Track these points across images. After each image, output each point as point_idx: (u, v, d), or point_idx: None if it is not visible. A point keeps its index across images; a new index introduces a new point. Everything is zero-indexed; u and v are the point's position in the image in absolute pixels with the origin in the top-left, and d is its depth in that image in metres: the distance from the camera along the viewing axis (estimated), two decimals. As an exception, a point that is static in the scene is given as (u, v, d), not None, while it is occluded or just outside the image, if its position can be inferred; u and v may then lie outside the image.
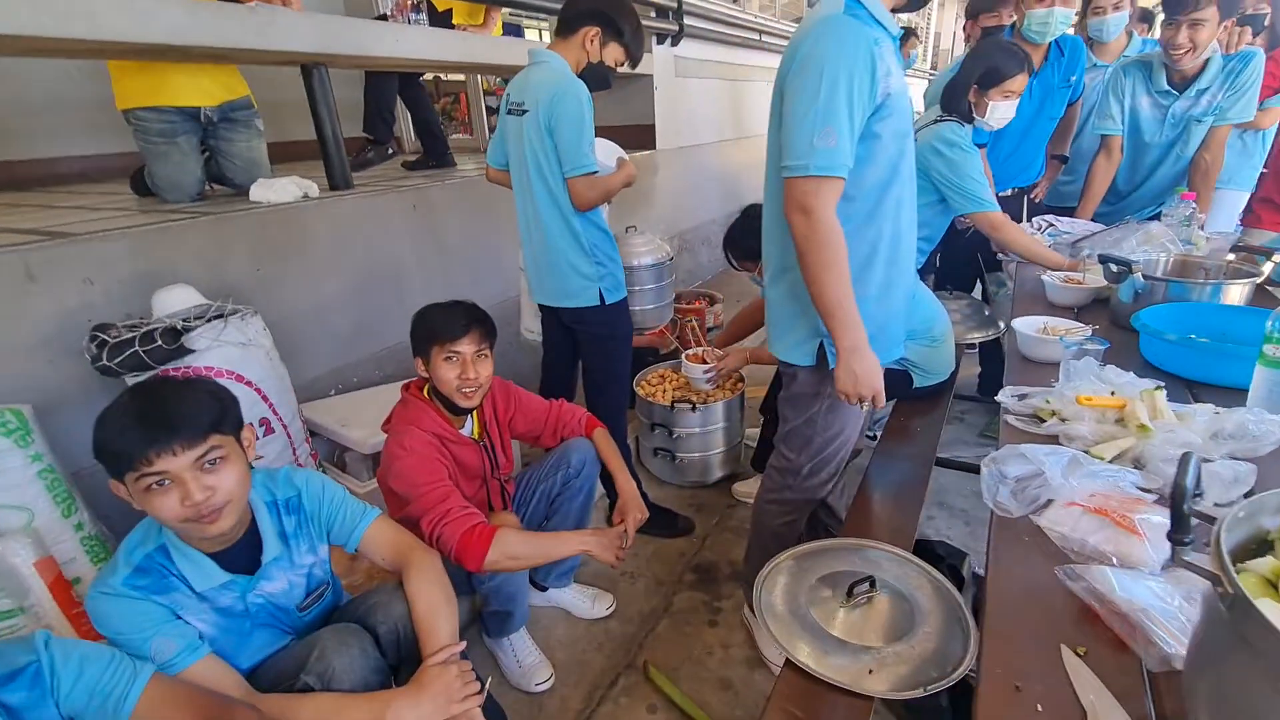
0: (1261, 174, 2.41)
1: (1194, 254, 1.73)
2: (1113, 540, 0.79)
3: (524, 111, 1.77)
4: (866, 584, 1.12)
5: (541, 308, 2.08)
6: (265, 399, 1.75)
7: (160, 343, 1.54)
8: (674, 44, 4.07)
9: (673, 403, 2.22)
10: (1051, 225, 2.29)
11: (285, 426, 1.79)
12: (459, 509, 1.37)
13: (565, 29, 1.79)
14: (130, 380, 1.57)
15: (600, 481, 1.76)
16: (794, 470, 1.49)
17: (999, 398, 1.20)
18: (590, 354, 2.01)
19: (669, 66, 4.12)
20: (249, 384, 1.71)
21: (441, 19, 3.00)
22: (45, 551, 1.37)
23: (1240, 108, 2.05)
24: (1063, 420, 1.07)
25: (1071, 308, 1.68)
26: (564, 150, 1.71)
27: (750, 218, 2.03)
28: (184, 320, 1.63)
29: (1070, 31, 2.35)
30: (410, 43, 2.47)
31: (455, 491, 1.41)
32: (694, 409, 2.20)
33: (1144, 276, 1.42)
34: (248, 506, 1.11)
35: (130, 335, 1.55)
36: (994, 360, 2.77)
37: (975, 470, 2.19)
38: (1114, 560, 0.77)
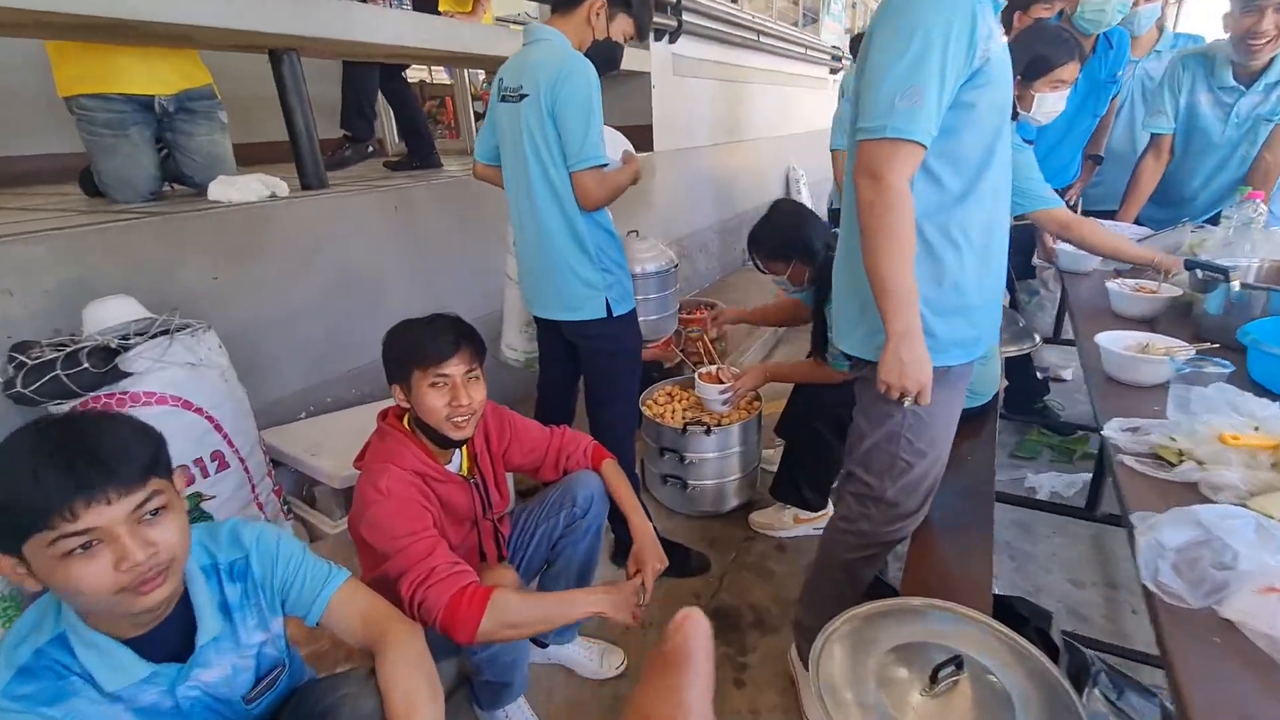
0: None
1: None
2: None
3: (522, 96, 1.55)
4: (952, 665, 0.91)
5: (538, 321, 1.86)
6: (218, 428, 1.50)
7: (87, 365, 1.29)
8: (672, 40, 3.87)
9: (684, 425, 1.99)
10: (1093, 229, 2.11)
11: (243, 459, 1.55)
12: (446, 567, 1.13)
13: (566, 2, 1.57)
14: (54, 410, 1.32)
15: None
16: (875, 498, 1.27)
17: (1104, 431, 0.99)
18: (594, 372, 1.78)
19: (667, 64, 3.93)
20: (199, 411, 1.46)
21: (427, 5, 2.78)
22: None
23: None
24: (1200, 464, 0.86)
25: (1142, 320, 1.49)
26: (570, 140, 1.50)
27: (781, 213, 1.82)
28: (120, 338, 1.39)
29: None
30: (390, 27, 2.24)
31: (441, 544, 1.18)
32: (708, 432, 1.98)
33: (1242, 285, 1.23)
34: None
35: (54, 356, 1.31)
36: (1023, 374, 2.58)
37: (1030, 504, 2.04)
38: (1358, 678, 0.56)
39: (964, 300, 1.11)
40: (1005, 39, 1.06)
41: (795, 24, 6.48)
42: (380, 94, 2.93)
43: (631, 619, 1.24)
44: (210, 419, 1.48)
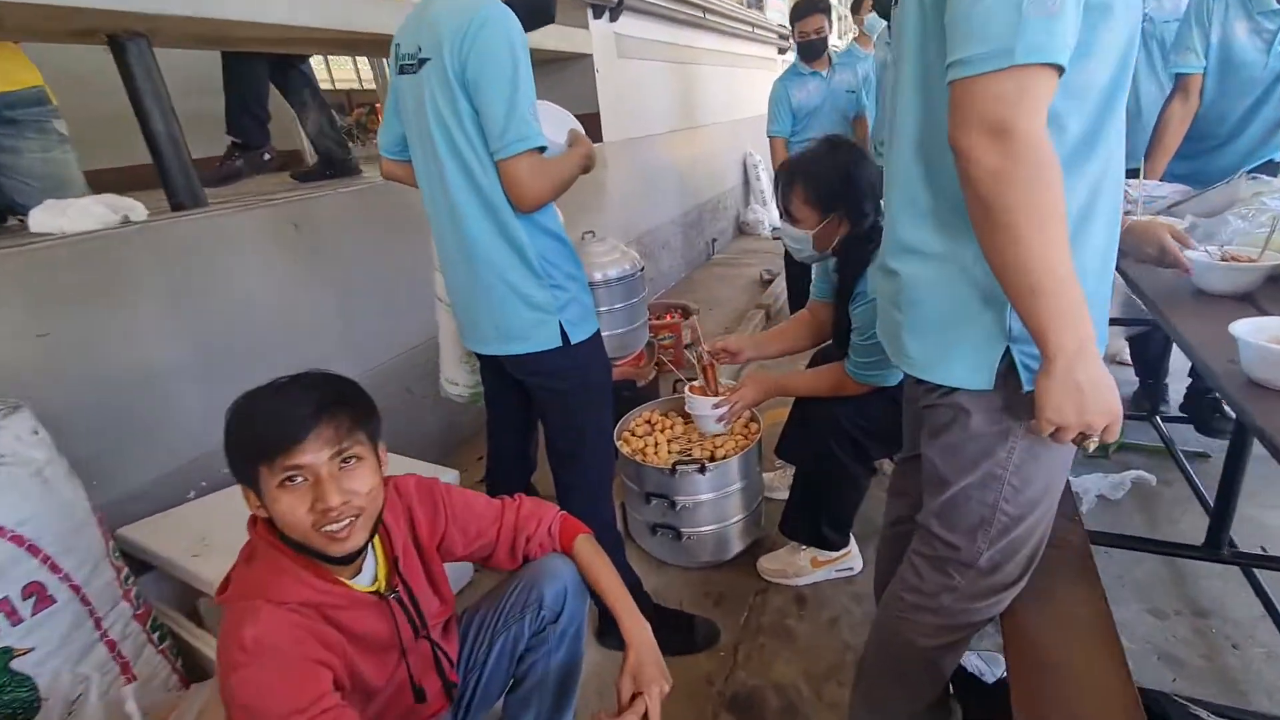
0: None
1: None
2: None
3: (422, 62, 1.16)
4: None
5: (478, 355, 1.47)
6: (34, 550, 1.07)
7: None
8: (613, 19, 3.50)
9: (674, 465, 1.63)
10: (1124, 189, 1.82)
11: (77, 587, 1.12)
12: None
13: None
14: None
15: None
16: (963, 563, 0.94)
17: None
18: (554, 417, 1.40)
19: (610, 45, 3.56)
20: (0, 532, 1.03)
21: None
22: None
23: None
24: None
25: (1234, 295, 1.19)
26: (492, 117, 1.12)
27: (842, 150, 1.42)
28: None
29: None
30: (257, 2, 1.79)
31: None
32: (703, 470, 1.62)
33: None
34: None
35: None
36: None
37: (1127, 544, 1.60)
38: None
39: (1093, 289, 0.78)
40: None
41: (741, 2, 6.18)
42: (280, 95, 2.48)
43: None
44: (19, 540, 1.05)
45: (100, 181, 1.89)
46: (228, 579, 0.91)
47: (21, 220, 1.78)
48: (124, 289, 1.50)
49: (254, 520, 0.92)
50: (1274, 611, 1.38)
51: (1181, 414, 2.20)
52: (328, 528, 0.82)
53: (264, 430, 0.81)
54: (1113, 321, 2.31)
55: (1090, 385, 0.71)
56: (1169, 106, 1.90)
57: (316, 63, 5.92)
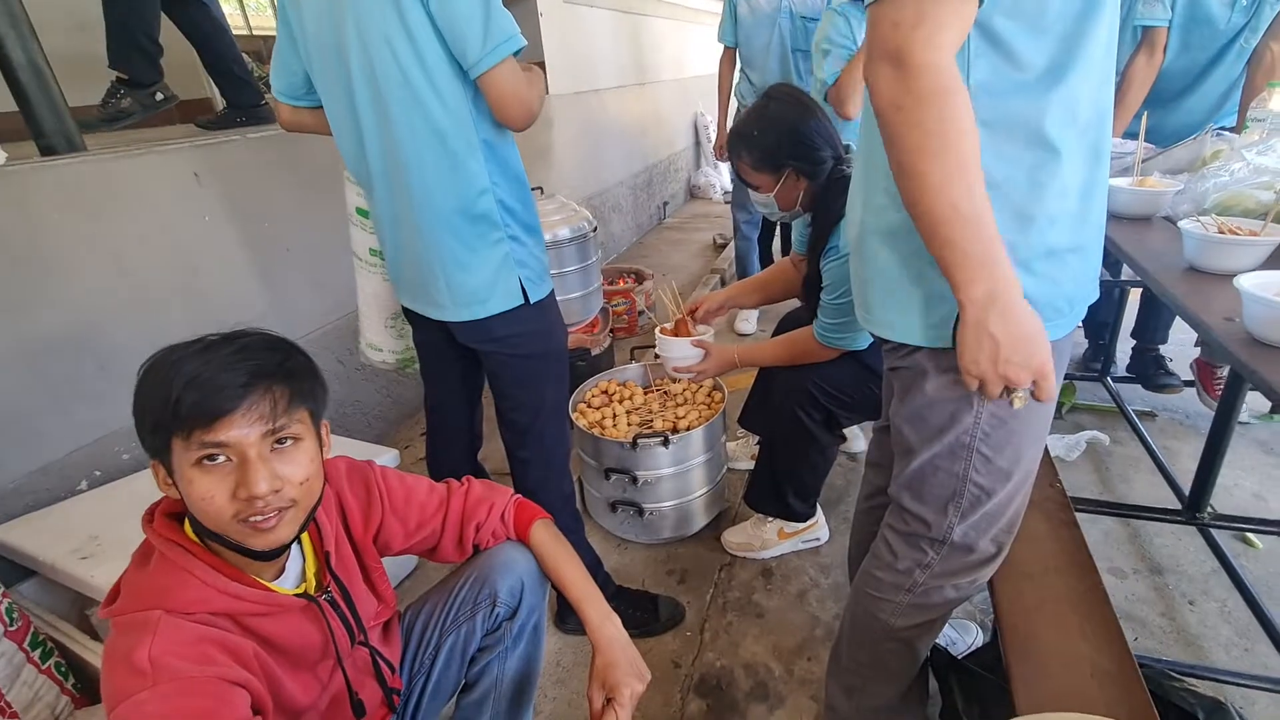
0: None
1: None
2: None
3: None
4: None
5: (413, 318, 1.31)
6: None
7: None
8: (558, -40, 3.25)
9: (635, 438, 1.52)
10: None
11: (-76, 605, 0.93)
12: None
13: None
14: None
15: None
16: (935, 538, 0.88)
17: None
18: (509, 384, 1.26)
19: (555, -12, 3.31)
20: None
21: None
22: None
23: None
24: None
25: (1228, 275, 1.13)
26: (466, 18, 0.96)
27: (778, 102, 1.34)
28: None
29: None
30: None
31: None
32: (666, 443, 1.52)
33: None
34: None
35: None
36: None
37: (1114, 510, 1.60)
38: None
39: (1067, 239, 0.73)
40: None
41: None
42: (184, 32, 2.15)
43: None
44: None
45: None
46: (116, 588, 0.75)
47: None
48: (-18, 246, 1.26)
49: (150, 513, 0.76)
50: (1228, 566, 1.41)
51: (1129, 374, 2.24)
52: (251, 518, 0.67)
53: (184, 395, 0.64)
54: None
55: (1006, 337, 0.65)
56: (1134, 61, 1.87)
57: (232, 9, 5.35)
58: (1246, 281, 0.85)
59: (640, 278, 3.17)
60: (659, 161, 5.12)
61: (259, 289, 1.83)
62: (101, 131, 1.93)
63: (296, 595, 0.81)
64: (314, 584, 0.85)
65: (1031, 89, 0.68)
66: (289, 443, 0.71)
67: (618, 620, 0.94)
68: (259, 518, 0.68)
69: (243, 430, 0.67)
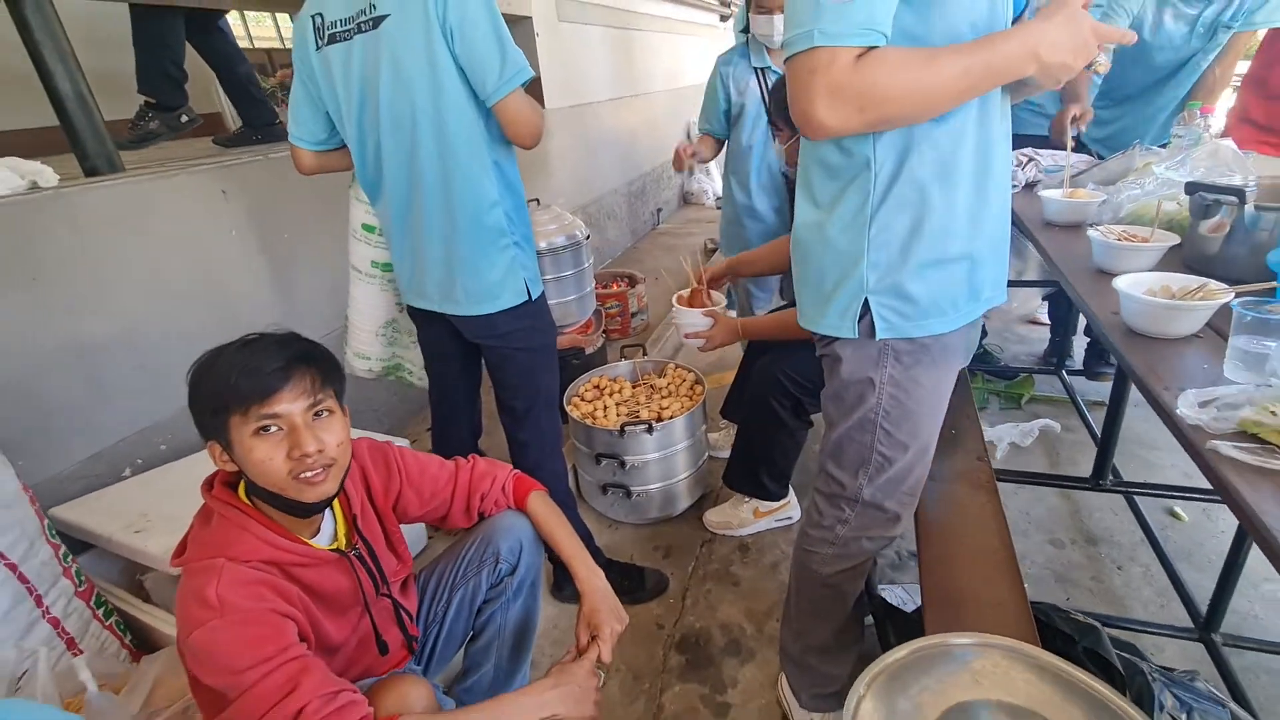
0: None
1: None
2: None
3: (379, 20, 1.13)
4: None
5: (420, 318, 1.47)
6: (-38, 530, 1.04)
7: None
8: (552, -20, 3.43)
9: (621, 425, 1.69)
10: (1032, 160, 1.96)
11: (13, 565, 1.09)
12: (319, 704, 0.78)
13: None
14: None
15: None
16: (850, 499, 1.04)
17: (1180, 410, 0.77)
18: (508, 375, 1.43)
19: (550, 8, 3.49)
20: (-78, 510, 1.00)
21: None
22: None
23: (1272, 7, 1.77)
24: (1323, 445, 0.66)
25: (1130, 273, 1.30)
26: (485, 58, 1.13)
27: None
28: None
29: None
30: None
31: (311, 668, 0.82)
32: (650, 430, 1.68)
33: (1258, 207, 1.06)
34: None
35: None
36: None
37: (1025, 479, 1.82)
38: None
39: (955, 248, 0.87)
40: None
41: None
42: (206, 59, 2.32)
43: (594, 712, 0.94)
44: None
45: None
46: (184, 543, 0.92)
47: None
48: (37, 258, 1.42)
49: (209, 483, 0.93)
50: (1151, 536, 1.57)
51: (1081, 369, 2.42)
52: (303, 474, 0.84)
53: (239, 380, 0.81)
54: (1031, 284, 2.49)
55: (1059, 43, 0.75)
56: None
57: (234, 22, 5.51)
58: (1122, 282, 1.02)
59: (633, 281, 3.34)
60: (653, 169, 5.29)
61: (277, 296, 1.99)
62: (130, 150, 2.10)
63: (331, 550, 0.98)
64: (344, 542, 1.02)
65: (925, 124, 0.83)
66: (325, 414, 0.88)
67: (602, 574, 1.11)
68: (309, 473, 0.85)
69: (290, 404, 0.84)
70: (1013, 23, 0.87)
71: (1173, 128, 1.72)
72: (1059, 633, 0.96)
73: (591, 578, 1.09)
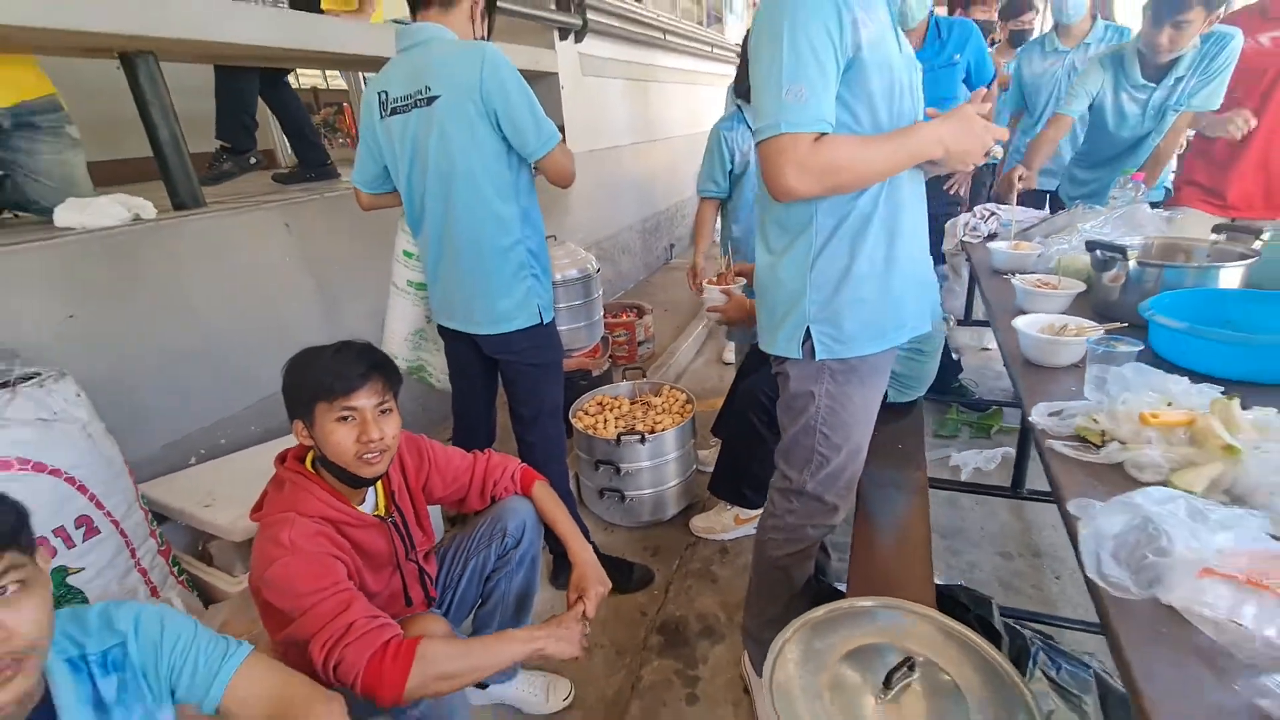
0: (1180, 155, 2.44)
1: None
2: (1277, 621, 0.58)
3: (431, 99, 1.43)
4: (905, 668, 0.90)
5: (448, 334, 1.74)
6: (83, 490, 1.30)
7: (-103, 433, 1.08)
8: (578, 40, 3.79)
9: (618, 435, 1.93)
10: (994, 214, 2.20)
11: (117, 522, 1.35)
12: (364, 622, 1.02)
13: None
14: None
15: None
16: (796, 491, 1.26)
17: (1031, 418, 1.00)
18: (521, 387, 1.68)
19: (574, 64, 3.85)
20: (56, 473, 1.26)
21: (307, 2, 2.57)
22: None
23: (1207, 94, 2.03)
24: (1122, 444, 0.88)
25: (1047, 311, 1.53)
26: (524, 127, 1.43)
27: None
28: (-57, 396, 1.17)
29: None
30: (257, 27, 2.03)
31: (357, 598, 1.05)
32: (642, 440, 1.92)
33: (1139, 262, 1.29)
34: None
35: None
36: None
37: (963, 487, 2.11)
38: (1299, 657, 0.56)
39: (871, 288, 1.11)
40: (893, 30, 1.06)
41: (700, 23, 6.54)
42: (262, 102, 2.69)
43: (579, 653, 1.16)
44: (71, 481, 1.28)
45: (92, 174, 2.08)
46: (260, 503, 1.17)
47: (16, 215, 1.98)
48: (139, 277, 1.72)
49: (282, 457, 1.18)
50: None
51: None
52: (366, 456, 1.09)
53: (328, 378, 1.07)
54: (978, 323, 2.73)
55: (951, 135, 1.03)
56: (1044, 134, 2.30)
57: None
58: (1020, 321, 1.25)
59: (641, 312, 3.60)
60: (667, 208, 5.62)
61: (326, 317, 2.28)
62: (207, 186, 2.43)
63: (374, 516, 1.22)
64: (384, 511, 1.26)
65: (843, 196, 1.08)
66: (387, 411, 1.14)
67: (591, 550, 1.34)
68: (370, 455, 1.10)
69: (364, 400, 1.10)
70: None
71: (1110, 191, 1.96)
72: (958, 603, 1.16)
73: (582, 551, 1.32)
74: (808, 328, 1.14)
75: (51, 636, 0.72)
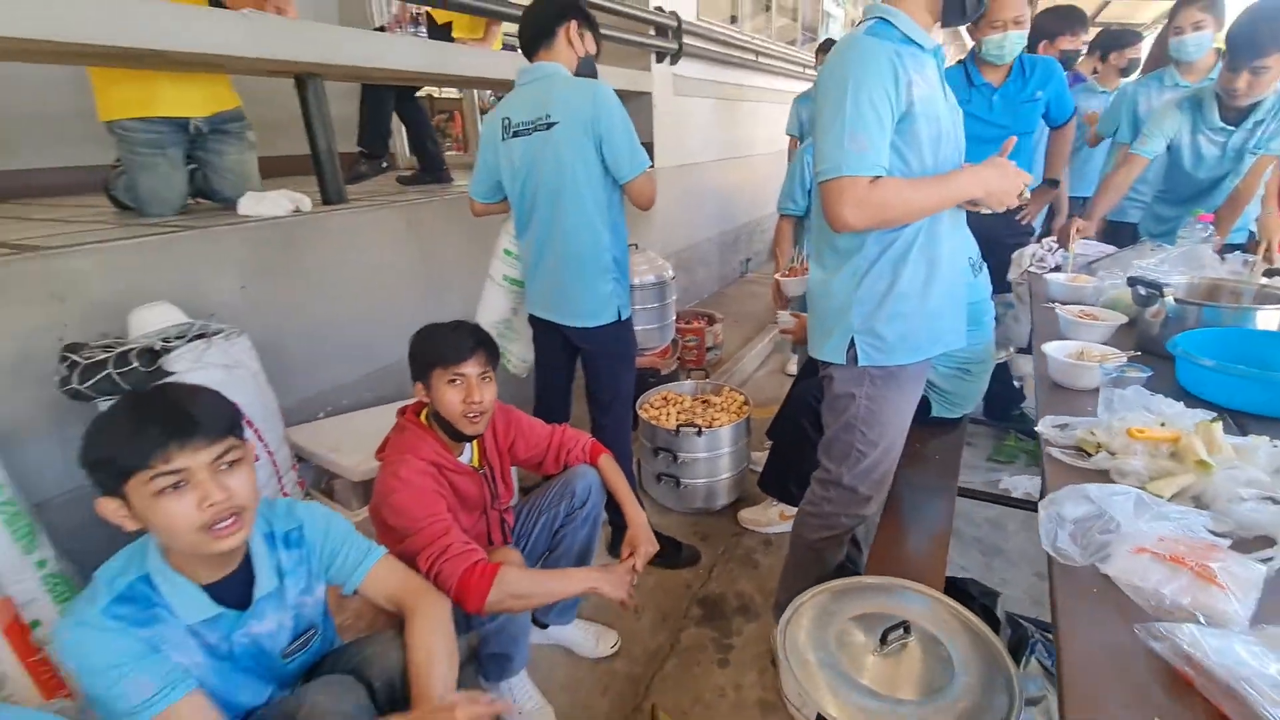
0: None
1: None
2: (1190, 591, 0.72)
3: (551, 125, 1.70)
4: (900, 629, 1.05)
5: (539, 325, 2.00)
6: (250, 425, 1.64)
7: (136, 364, 1.44)
8: (673, 62, 4.05)
9: (677, 427, 2.13)
10: (1060, 248, 2.26)
11: (271, 454, 1.69)
12: (459, 545, 1.27)
13: (546, 35, 1.74)
14: (103, 405, 1.46)
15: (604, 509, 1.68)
16: (834, 482, 1.43)
17: (1039, 427, 1.13)
18: (599, 373, 1.93)
19: (668, 85, 4.10)
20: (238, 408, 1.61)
21: (441, 32, 2.95)
22: (1, 591, 1.26)
23: None
24: (1111, 454, 1.00)
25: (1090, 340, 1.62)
26: (621, 154, 1.68)
27: None
28: (163, 340, 1.53)
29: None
30: (407, 55, 2.41)
31: (455, 526, 1.32)
32: (699, 433, 2.12)
33: (1175, 300, 1.37)
34: None
35: (104, 356, 1.46)
36: (1001, 382, 2.72)
37: (996, 500, 2.19)
38: (1198, 617, 0.69)
39: (910, 306, 1.27)
40: (942, 88, 1.22)
41: (794, 42, 6.67)
42: (403, 119, 3.10)
43: (625, 598, 1.37)
44: (243, 416, 1.62)
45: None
46: (383, 445, 1.46)
47: (198, 201, 2.41)
48: (294, 259, 2.09)
49: (403, 410, 1.47)
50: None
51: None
52: (469, 414, 1.36)
53: (444, 348, 1.35)
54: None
55: (985, 180, 1.20)
56: (1119, 172, 2.31)
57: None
58: (1049, 346, 1.36)
59: (711, 320, 3.79)
60: (747, 223, 5.78)
61: (433, 299, 2.62)
62: (347, 185, 2.84)
63: (470, 466, 1.49)
64: (478, 464, 1.53)
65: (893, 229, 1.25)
66: (488, 380, 1.40)
67: (644, 513, 1.55)
68: (473, 414, 1.36)
69: (470, 370, 1.36)
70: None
71: (1179, 231, 1.98)
72: (965, 593, 1.29)
73: (637, 515, 1.54)
74: (853, 337, 1.31)
75: (257, 502, 1.00)
